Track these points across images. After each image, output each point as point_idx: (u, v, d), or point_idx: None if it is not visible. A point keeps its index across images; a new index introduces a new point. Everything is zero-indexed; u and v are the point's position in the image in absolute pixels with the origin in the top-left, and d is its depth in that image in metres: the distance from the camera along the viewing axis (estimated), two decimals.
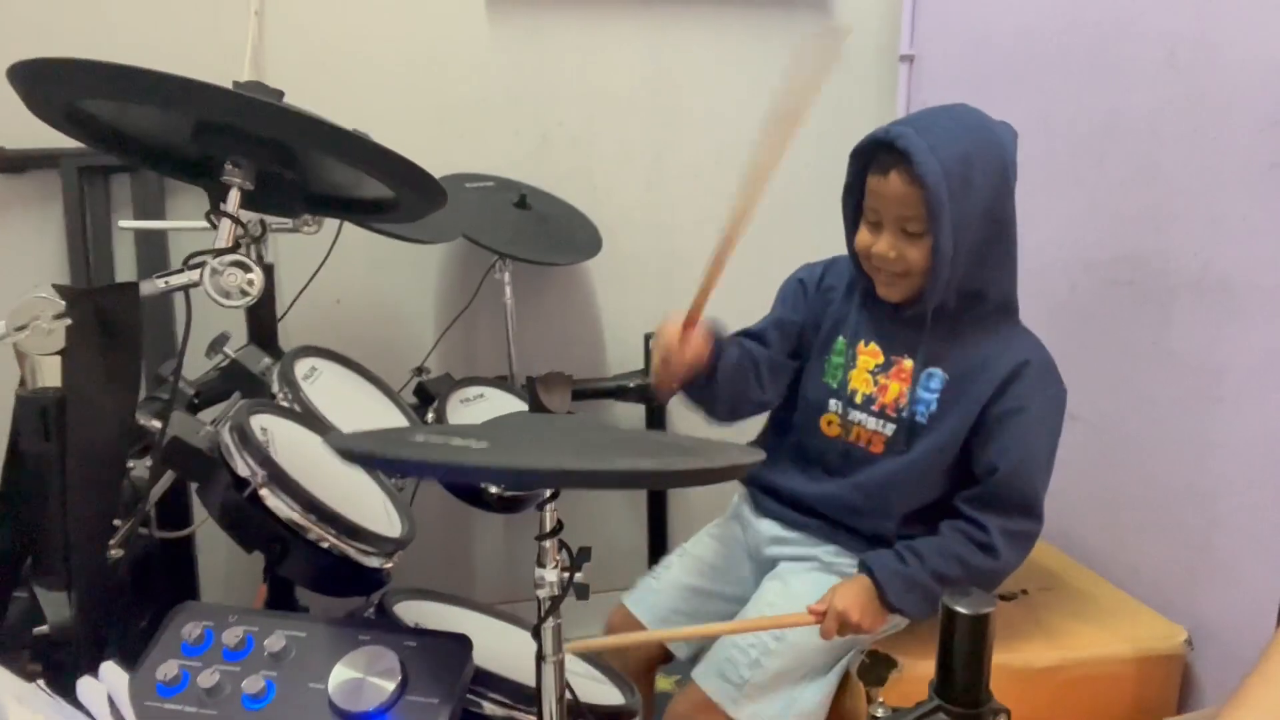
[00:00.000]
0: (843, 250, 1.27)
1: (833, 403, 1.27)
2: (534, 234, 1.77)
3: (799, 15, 1.98)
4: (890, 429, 1.23)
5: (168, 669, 0.75)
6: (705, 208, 2.00)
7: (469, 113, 1.87)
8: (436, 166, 1.82)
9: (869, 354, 1.25)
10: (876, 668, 1.25)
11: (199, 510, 1.29)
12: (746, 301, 1.34)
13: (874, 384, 1.24)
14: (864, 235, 1.20)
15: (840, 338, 1.28)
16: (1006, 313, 1.23)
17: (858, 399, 1.25)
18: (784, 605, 1.23)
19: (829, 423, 1.28)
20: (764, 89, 1.96)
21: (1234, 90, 1.25)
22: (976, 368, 1.18)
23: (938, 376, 1.20)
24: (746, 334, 1.32)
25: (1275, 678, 0.73)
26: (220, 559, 1.70)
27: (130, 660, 0.85)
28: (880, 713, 0.99)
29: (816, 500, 1.28)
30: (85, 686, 0.59)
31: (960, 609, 0.91)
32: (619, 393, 1.92)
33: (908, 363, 1.22)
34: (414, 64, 1.83)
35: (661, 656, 1.38)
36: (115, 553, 0.87)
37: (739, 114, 1.99)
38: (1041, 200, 1.62)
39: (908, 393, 1.21)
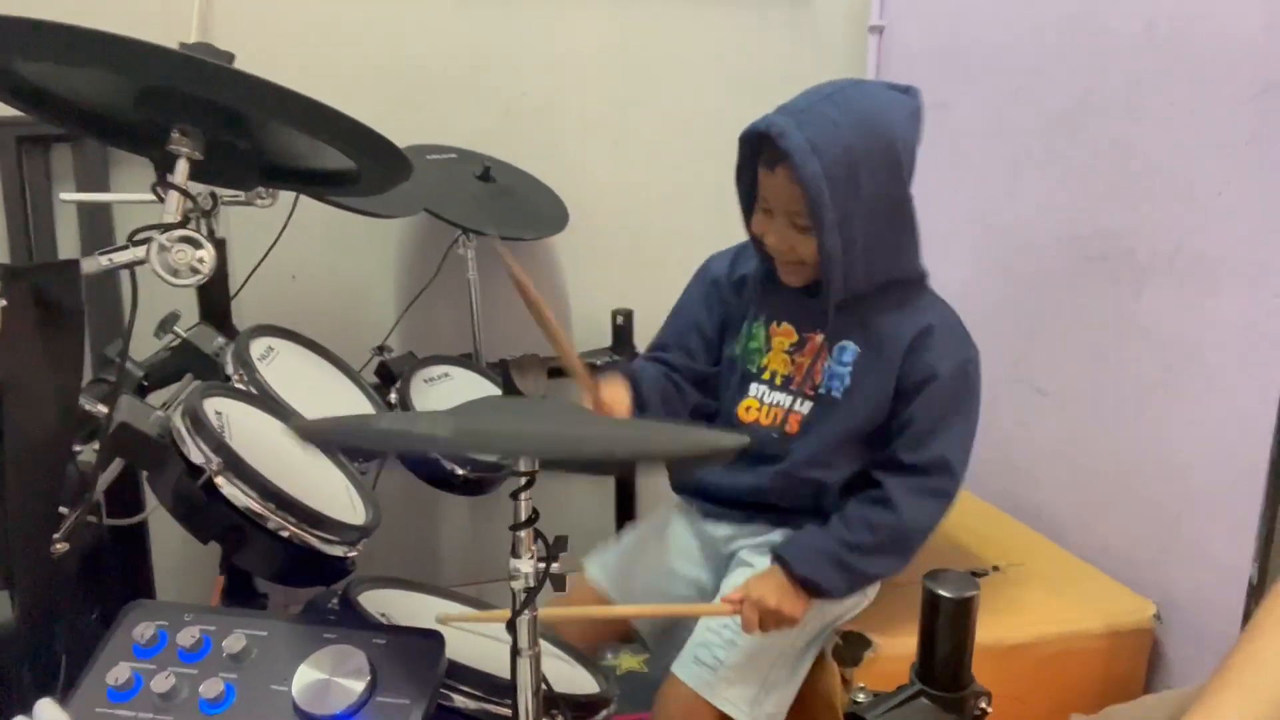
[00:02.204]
0: None
1: (753, 388, 1.26)
2: (498, 208, 1.72)
3: None
4: (807, 406, 1.22)
5: (119, 673, 0.70)
6: (673, 180, 1.96)
7: (430, 81, 1.80)
8: (396, 137, 1.76)
9: (783, 334, 1.24)
10: (851, 648, 1.25)
11: (151, 496, 1.24)
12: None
13: (790, 363, 1.23)
14: (759, 220, 1.18)
15: (754, 322, 1.26)
16: (915, 285, 1.22)
17: (777, 380, 1.24)
18: None
19: (747, 409, 1.26)
20: (731, 57, 1.95)
21: (1211, 65, 1.23)
22: (887, 337, 1.18)
23: (850, 349, 1.20)
24: (664, 347, 1.30)
25: (1261, 657, 0.72)
26: (175, 548, 1.64)
27: (78, 658, 0.80)
28: (861, 696, 0.98)
29: (744, 493, 1.27)
30: None
31: (944, 593, 0.90)
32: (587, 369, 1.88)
33: (819, 337, 1.21)
34: (372, 30, 1.76)
35: (622, 633, 1.34)
36: (60, 547, 0.82)
37: (706, 84, 1.95)
38: (1013, 175, 1.61)
39: (822, 369, 1.20)
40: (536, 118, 1.88)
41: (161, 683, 0.70)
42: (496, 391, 1.68)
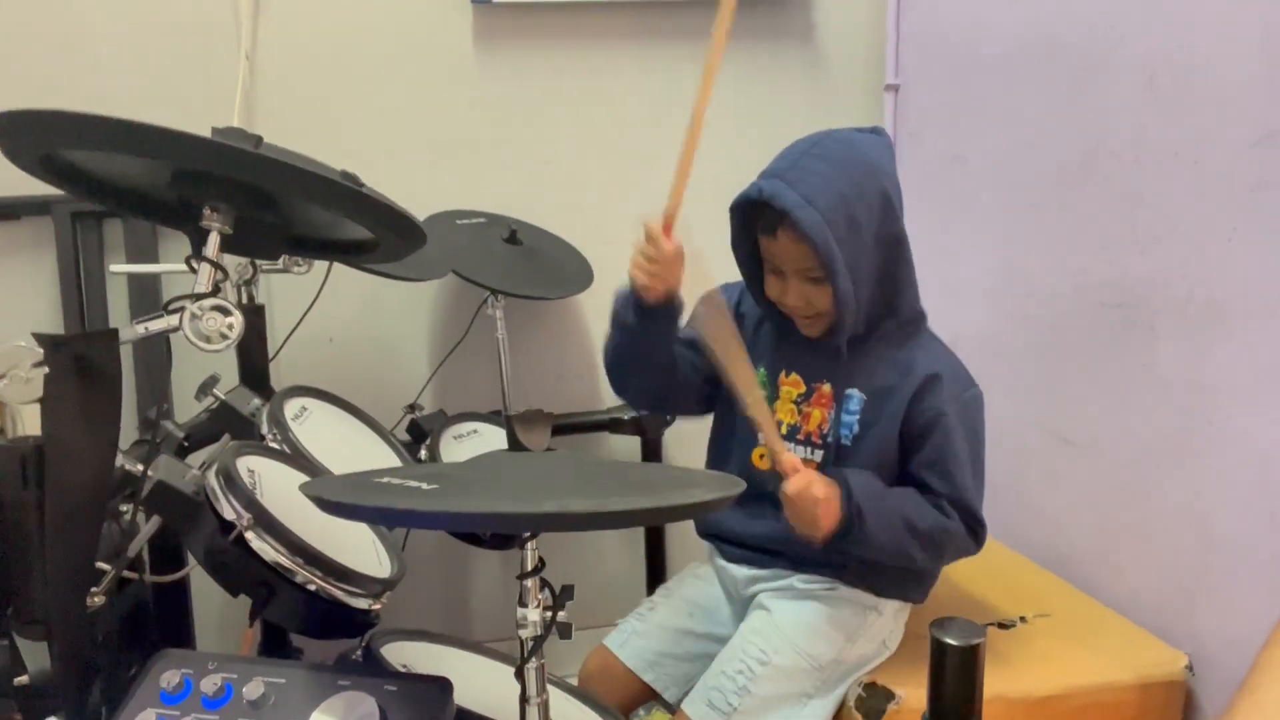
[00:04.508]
0: None
1: (761, 436, 1.26)
2: (525, 269, 1.77)
3: (784, 46, 2.00)
4: (819, 455, 1.23)
5: (145, 718, 0.74)
6: (695, 240, 2.01)
7: (458, 149, 1.88)
8: (427, 204, 1.84)
9: (791, 384, 1.26)
10: (874, 700, 1.24)
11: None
12: None
13: (798, 413, 1.25)
14: (772, 285, 1.21)
15: (760, 369, 1.27)
16: (915, 323, 1.24)
17: (783, 429, 1.25)
18: (771, 634, 1.23)
19: (760, 456, 1.28)
20: (750, 119, 2.00)
21: (1214, 112, 1.25)
22: (891, 384, 1.19)
23: (856, 398, 1.21)
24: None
25: (1266, 703, 0.72)
26: (216, 604, 1.69)
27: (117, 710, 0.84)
28: None
29: (762, 539, 1.28)
30: None
31: (951, 641, 0.91)
32: (613, 425, 1.91)
33: (826, 387, 1.23)
34: (403, 102, 1.84)
35: (644, 696, 1.35)
36: (97, 600, 0.86)
37: (726, 146, 1.99)
38: (1028, 226, 1.62)
39: (830, 417, 1.22)
40: (561, 182, 1.95)
41: None
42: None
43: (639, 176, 1.98)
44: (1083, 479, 1.52)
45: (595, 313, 2.00)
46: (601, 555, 2.05)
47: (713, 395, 1.34)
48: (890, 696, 1.23)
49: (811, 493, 1.11)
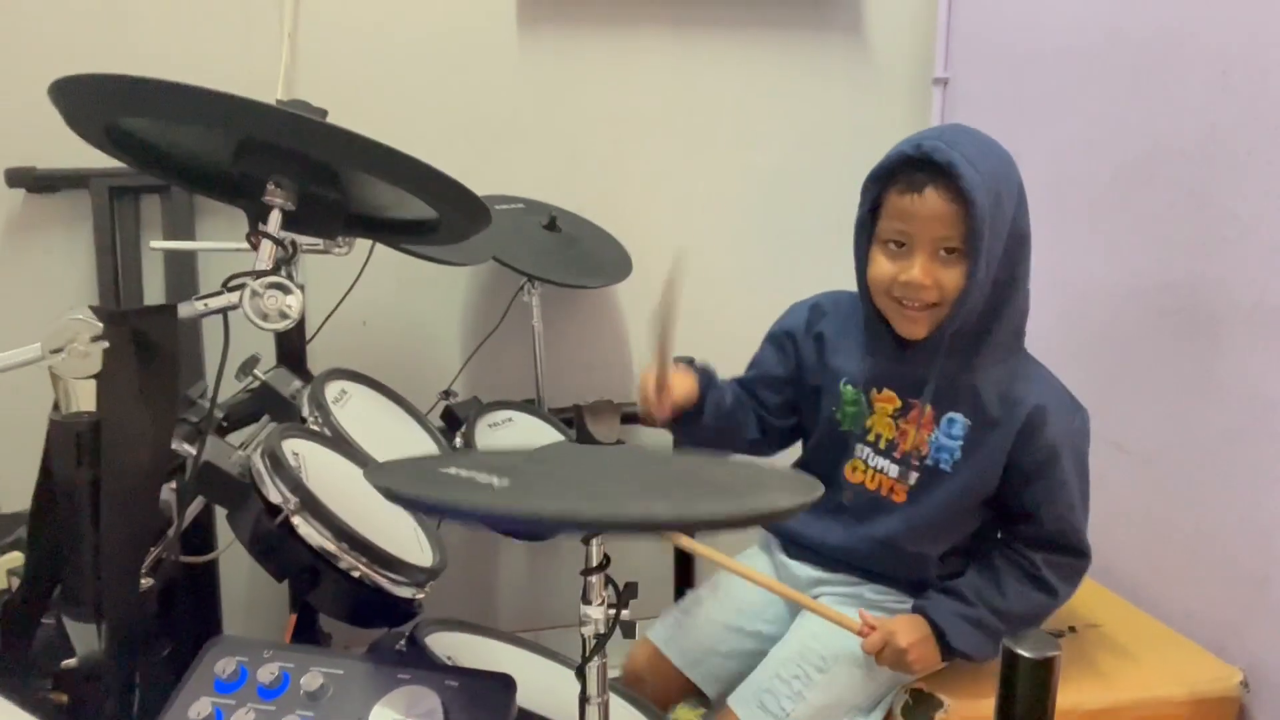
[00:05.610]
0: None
1: (858, 448, 1.23)
2: (563, 256, 1.75)
3: (830, 37, 1.97)
4: (914, 477, 1.19)
5: (200, 707, 0.72)
6: (734, 230, 1.98)
7: (499, 134, 1.85)
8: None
9: (884, 400, 1.20)
10: (922, 707, 1.21)
11: (223, 535, 1.27)
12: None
13: (895, 429, 1.20)
14: (884, 265, 1.11)
15: (848, 386, 1.22)
16: (1016, 340, 1.20)
17: (881, 444, 1.21)
18: (828, 639, 1.19)
19: (854, 469, 1.23)
20: (794, 110, 1.97)
21: None
22: (997, 415, 1.15)
23: (959, 423, 1.16)
24: (740, 382, 1.30)
25: None
26: (242, 585, 1.67)
27: (153, 690, 0.82)
28: None
29: (841, 553, 1.25)
30: None
31: (1024, 652, 0.87)
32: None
33: (927, 408, 1.17)
34: (444, 85, 1.82)
35: (687, 690, 1.32)
36: (146, 582, 0.84)
37: (769, 136, 1.97)
38: (1085, 226, 1.58)
39: (929, 440, 1.17)
40: (601, 169, 1.92)
41: (242, 718, 0.71)
42: (558, 437, 1.69)
43: (680, 166, 1.95)
44: (1136, 488, 1.49)
45: (632, 303, 1.97)
46: (627, 548, 2.02)
47: (791, 430, 1.32)
48: (939, 704, 1.20)
49: (895, 645, 1.12)
